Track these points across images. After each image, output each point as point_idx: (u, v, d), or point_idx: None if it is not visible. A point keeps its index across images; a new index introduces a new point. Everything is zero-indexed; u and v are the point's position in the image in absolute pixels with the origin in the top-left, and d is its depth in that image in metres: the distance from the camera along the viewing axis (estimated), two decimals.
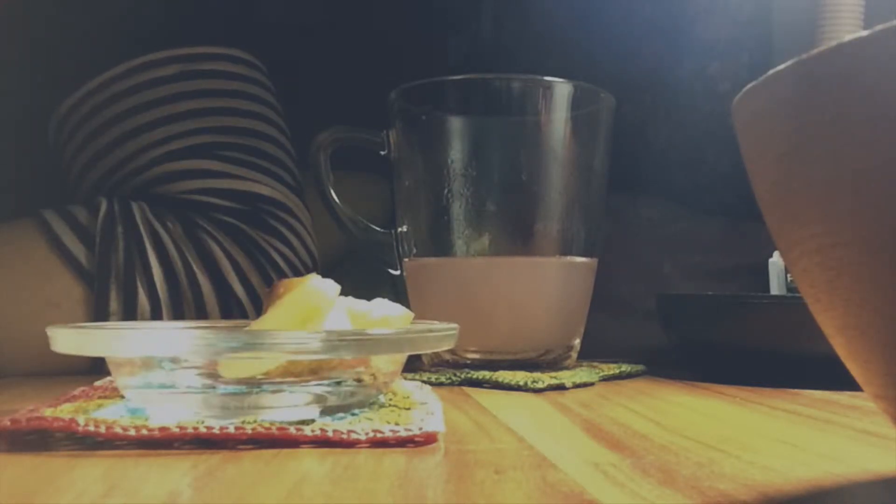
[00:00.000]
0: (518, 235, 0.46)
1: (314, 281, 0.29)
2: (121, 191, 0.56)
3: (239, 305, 0.53)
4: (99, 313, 0.49)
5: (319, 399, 0.28)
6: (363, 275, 0.72)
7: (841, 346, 0.19)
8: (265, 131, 0.59)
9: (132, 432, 0.24)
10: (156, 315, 0.50)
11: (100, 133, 0.57)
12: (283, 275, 0.56)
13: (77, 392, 0.32)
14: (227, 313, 0.53)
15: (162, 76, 0.56)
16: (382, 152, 0.49)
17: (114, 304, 0.49)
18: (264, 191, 0.56)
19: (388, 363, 0.30)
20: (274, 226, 0.56)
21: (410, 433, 0.25)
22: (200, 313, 0.52)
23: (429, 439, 0.25)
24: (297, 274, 0.56)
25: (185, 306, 0.51)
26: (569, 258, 0.46)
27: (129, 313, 0.50)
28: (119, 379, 0.29)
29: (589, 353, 0.49)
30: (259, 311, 0.54)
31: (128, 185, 0.56)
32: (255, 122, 0.58)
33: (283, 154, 0.59)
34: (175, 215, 0.53)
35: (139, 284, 0.50)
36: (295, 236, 0.57)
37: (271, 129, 0.59)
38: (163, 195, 0.55)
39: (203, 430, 0.25)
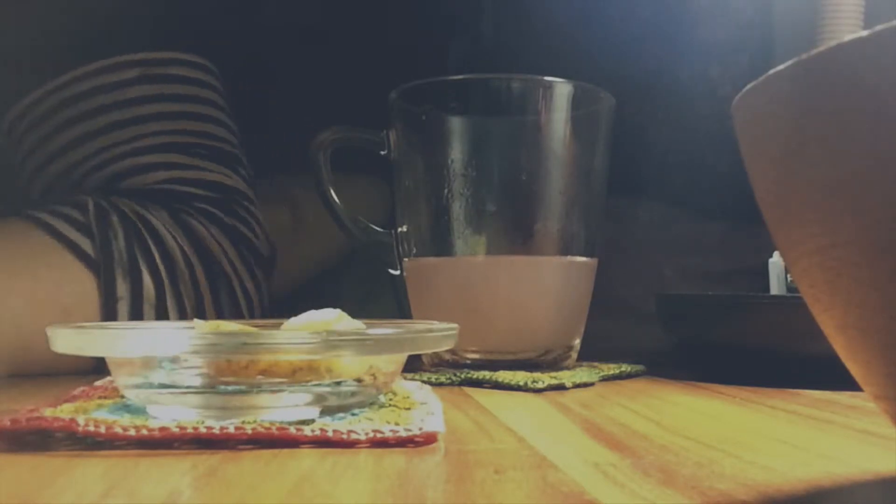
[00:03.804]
0: (518, 235, 0.46)
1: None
2: (81, 188, 0.57)
3: (227, 284, 0.55)
4: (108, 300, 0.50)
5: (319, 399, 0.28)
6: (363, 275, 0.72)
7: (841, 346, 0.19)
8: (219, 134, 0.60)
9: (132, 432, 0.24)
10: (160, 297, 0.51)
11: (57, 133, 0.58)
12: (258, 258, 0.58)
13: (77, 392, 0.32)
14: (216, 292, 0.54)
15: (122, 80, 0.57)
16: (382, 152, 0.49)
17: (121, 289, 0.50)
18: (226, 181, 0.58)
19: (388, 363, 0.30)
20: (240, 213, 0.58)
21: (410, 433, 0.25)
22: (197, 292, 0.53)
23: (429, 439, 0.25)
24: (263, 261, 0.59)
25: (181, 287, 0.52)
26: (569, 258, 0.46)
27: (136, 297, 0.50)
28: (119, 379, 0.29)
29: (589, 354, 0.49)
30: (243, 292, 0.55)
31: (88, 182, 0.57)
32: (210, 126, 0.60)
33: (238, 152, 0.61)
34: (157, 203, 0.54)
35: (143, 268, 0.51)
36: (257, 224, 0.59)
37: (223, 132, 0.61)
38: (130, 188, 0.56)
39: (203, 430, 0.25)
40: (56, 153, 0.58)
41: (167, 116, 0.57)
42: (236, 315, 0.56)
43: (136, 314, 0.50)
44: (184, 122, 0.58)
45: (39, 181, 0.59)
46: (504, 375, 0.41)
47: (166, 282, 0.51)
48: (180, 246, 0.53)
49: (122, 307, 0.50)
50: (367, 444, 0.25)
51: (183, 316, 0.52)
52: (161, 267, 0.51)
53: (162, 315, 0.51)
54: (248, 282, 0.56)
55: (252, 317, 0.57)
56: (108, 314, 0.50)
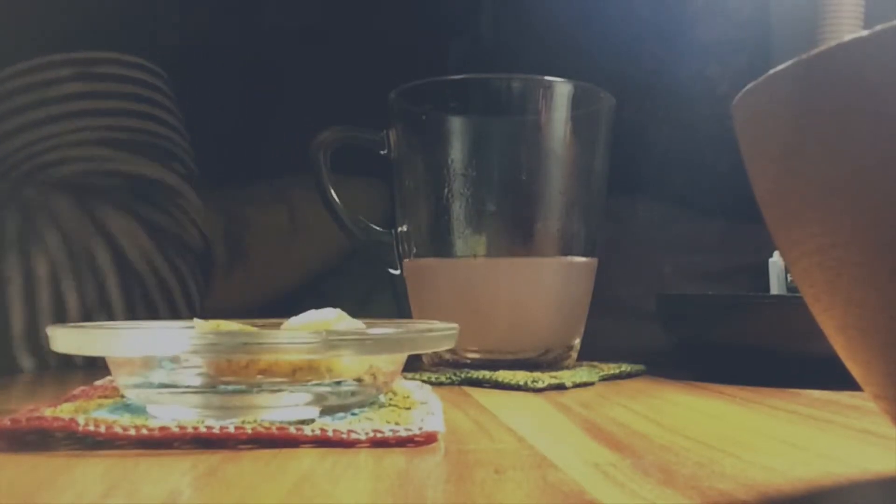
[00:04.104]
0: (518, 235, 0.46)
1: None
2: (6, 178, 0.58)
3: (136, 273, 0.55)
4: None
5: (319, 399, 0.28)
6: (363, 275, 0.72)
7: (841, 346, 0.19)
8: (158, 131, 0.61)
9: (132, 432, 0.24)
10: (55, 279, 0.51)
11: None
12: (178, 247, 0.57)
13: (77, 392, 0.32)
14: (125, 278, 0.54)
15: (56, 77, 0.58)
16: (382, 152, 0.49)
17: (11, 270, 0.50)
18: (149, 172, 0.59)
19: (388, 363, 0.30)
20: (160, 203, 0.58)
21: (410, 433, 0.25)
22: (96, 276, 0.53)
23: (429, 439, 0.25)
24: (190, 253, 0.58)
25: (83, 270, 0.52)
26: (569, 258, 0.46)
27: (27, 278, 0.51)
28: (119, 379, 0.29)
29: (589, 354, 0.49)
30: (158, 281, 0.54)
31: (15, 172, 0.58)
32: (148, 123, 0.61)
33: (173, 148, 0.62)
34: (64, 192, 0.55)
35: (35, 250, 0.51)
36: (184, 215, 0.59)
37: (163, 129, 0.61)
38: (47, 179, 0.56)
39: (203, 430, 0.25)
40: None
41: (98, 113, 0.58)
42: (147, 304, 0.56)
43: (29, 295, 0.50)
44: (117, 119, 0.59)
45: None
46: (504, 375, 0.41)
47: (63, 265, 0.51)
48: (81, 231, 0.53)
49: (14, 289, 0.50)
50: (367, 444, 0.25)
51: (84, 299, 0.52)
52: (57, 250, 0.52)
53: (60, 298, 0.51)
54: (165, 272, 0.56)
55: (173, 307, 0.57)
56: None
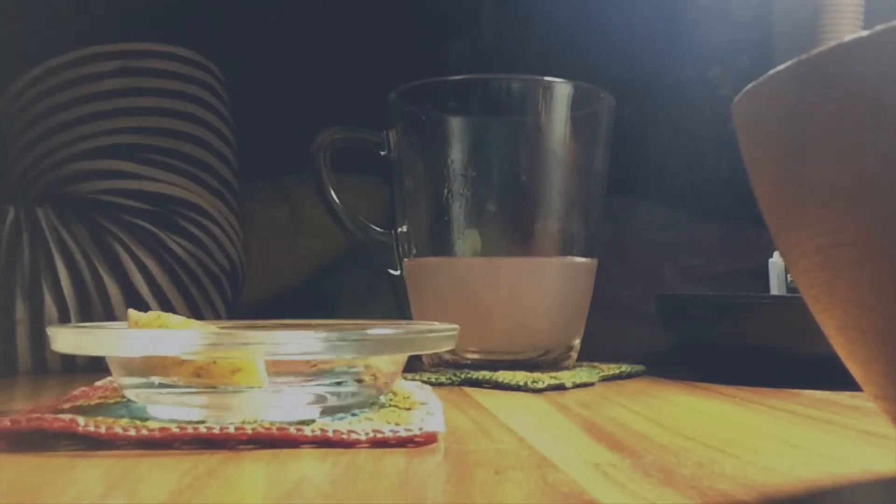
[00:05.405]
0: (518, 235, 0.46)
1: None
2: (36, 186, 0.56)
3: (147, 308, 0.53)
4: (5, 322, 0.49)
5: (320, 399, 0.28)
6: (363, 276, 0.72)
7: (841, 346, 0.19)
8: (192, 132, 0.57)
9: (132, 432, 0.24)
10: (64, 321, 0.50)
11: (34, 123, 0.57)
12: (194, 277, 0.55)
13: (77, 392, 0.32)
14: None
15: (102, 71, 0.56)
16: (382, 152, 0.49)
17: (20, 312, 0.49)
18: (175, 192, 0.56)
19: (388, 364, 0.30)
20: (184, 227, 0.55)
21: (411, 433, 0.25)
22: (110, 318, 0.51)
23: (429, 439, 0.25)
24: (213, 277, 0.56)
25: (93, 311, 0.51)
26: (569, 258, 0.47)
27: (36, 320, 0.50)
28: (119, 379, 0.29)
29: (589, 354, 0.49)
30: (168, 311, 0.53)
31: (42, 181, 0.56)
32: (183, 124, 0.57)
33: (208, 156, 0.58)
34: (81, 220, 0.53)
35: (45, 291, 0.50)
36: (209, 238, 0.57)
37: (200, 131, 0.58)
38: (72, 195, 0.55)
39: (203, 430, 0.25)
40: (32, 142, 0.57)
41: (133, 112, 0.55)
42: None
43: (37, 336, 0.49)
44: (149, 119, 0.56)
45: (17, 168, 0.58)
46: (504, 375, 0.41)
47: (73, 305, 0.50)
48: (93, 266, 0.51)
49: (21, 329, 0.49)
50: (367, 444, 0.25)
51: None
52: (66, 289, 0.50)
53: None
54: (180, 308, 0.54)
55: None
56: (6, 337, 0.49)
